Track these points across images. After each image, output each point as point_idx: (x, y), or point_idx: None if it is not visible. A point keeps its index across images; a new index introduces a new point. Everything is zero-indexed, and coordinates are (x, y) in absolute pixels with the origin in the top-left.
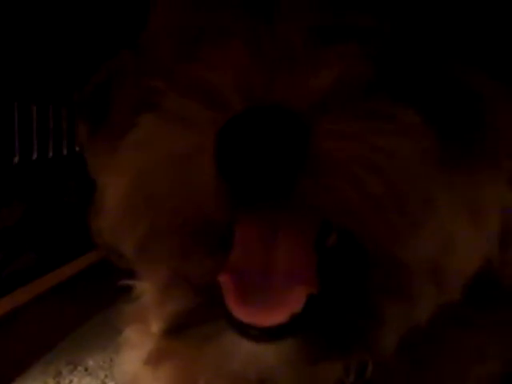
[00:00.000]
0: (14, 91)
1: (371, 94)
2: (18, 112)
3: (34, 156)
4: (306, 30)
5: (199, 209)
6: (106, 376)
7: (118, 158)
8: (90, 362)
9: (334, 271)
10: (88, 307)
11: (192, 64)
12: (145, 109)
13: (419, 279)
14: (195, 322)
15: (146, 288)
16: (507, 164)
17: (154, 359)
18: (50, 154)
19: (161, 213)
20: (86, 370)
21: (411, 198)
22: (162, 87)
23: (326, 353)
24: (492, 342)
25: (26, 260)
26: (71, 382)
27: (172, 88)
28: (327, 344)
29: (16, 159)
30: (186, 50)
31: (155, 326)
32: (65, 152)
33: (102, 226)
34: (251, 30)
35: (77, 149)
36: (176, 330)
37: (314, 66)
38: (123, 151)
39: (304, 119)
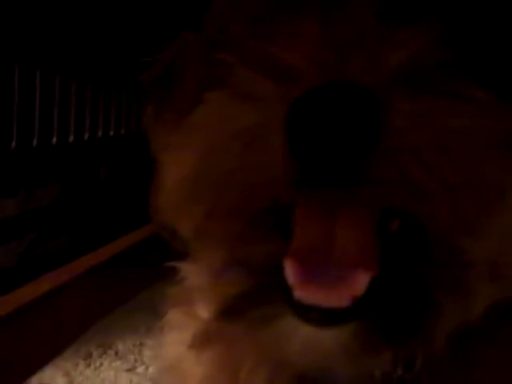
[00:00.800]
0: (55, 67)
1: (446, 75)
2: (59, 94)
3: (71, 139)
4: (381, 7)
5: (267, 189)
6: (135, 360)
7: (182, 136)
8: (120, 346)
9: (396, 258)
10: (121, 292)
11: (264, 40)
12: (212, 85)
13: (478, 274)
14: (252, 304)
15: (192, 270)
16: None
17: (200, 342)
18: (86, 136)
19: (225, 193)
20: (117, 353)
21: (483, 186)
22: (232, 61)
23: (385, 342)
24: None
25: (59, 241)
26: (101, 364)
27: (242, 63)
28: (386, 332)
29: (54, 140)
30: (258, 27)
31: (202, 309)
32: (100, 134)
33: (161, 204)
34: (325, 7)
35: (111, 133)
36: (232, 312)
37: (387, 44)
38: (189, 129)
39: (377, 96)
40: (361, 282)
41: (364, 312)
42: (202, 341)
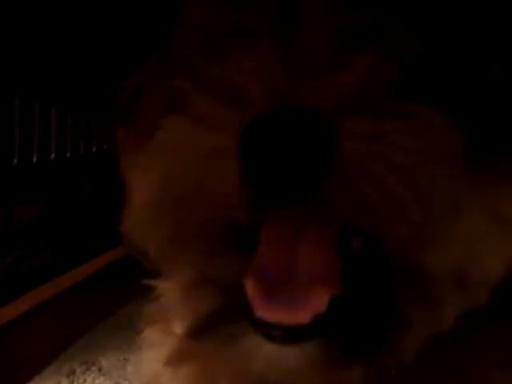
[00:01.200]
0: (35, 92)
1: (398, 95)
2: (38, 113)
3: (52, 156)
4: (332, 32)
5: (224, 210)
6: (119, 376)
7: (145, 158)
8: (104, 362)
9: (359, 274)
10: (103, 308)
11: (218, 65)
12: (172, 110)
13: (444, 285)
14: (218, 322)
15: (167, 288)
16: None
17: (175, 360)
18: (68, 154)
19: (186, 214)
20: (100, 369)
21: (435, 201)
22: (189, 88)
23: (349, 357)
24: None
25: (41, 259)
26: (85, 381)
27: (198, 89)
28: (351, 348)
29: (34, 158)
30: (213, 51)
31: (177, 326)
32: (82, 152)
33: (128, 225)
34: (277, 32)
35: (93, 149)
36: (199, 330)
37: (339, 67)
38: (150, 152)
39: (328, 120)
40: (322, 299)
41: (327, 329)
42: (178, 358)
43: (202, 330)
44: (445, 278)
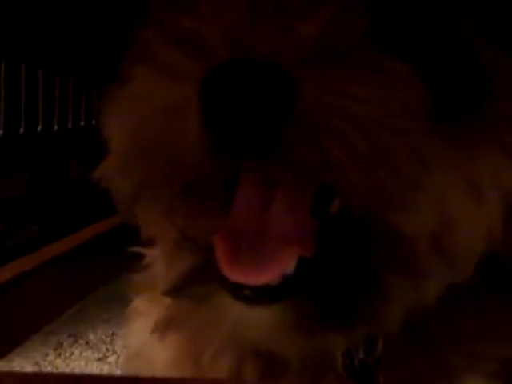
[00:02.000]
0: (21, 60)
1: (365, 47)
2: (25, 83)
3: (39, 128)
4: None
5: (188, 159)
6: (107, 350)
7: (118, 109)
8: (91, 336)
9: (334, 238)
10: (90, 280)
11: (181, 15)
12: (142, 61)
13: (423, 254)
14: (194, 282)
15: (155, 255)
16: (509, 139)
17: (162, 327)
18: (55, 127)
19: (153, 162)
20: (87, 343)
21: (398, 155)
22: (152, 37)
23: (320, 322)
24: (504, 326)
25: (28, 231)
26: (72, 354)
27: (162, 39)
28: (323, 313)
29: (21, 130)
30: (179, 2)
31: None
32: (70, 125)
33: (102, 172)
34: None
35: (81, 123)
36: (176, 289)
37: (302, 17)
38: (121, 100)
39: (288, 70)
40: (289, 258)
41: (297, 291)
42: (165, 326)
43: (178, 289)
44: (423, 245)
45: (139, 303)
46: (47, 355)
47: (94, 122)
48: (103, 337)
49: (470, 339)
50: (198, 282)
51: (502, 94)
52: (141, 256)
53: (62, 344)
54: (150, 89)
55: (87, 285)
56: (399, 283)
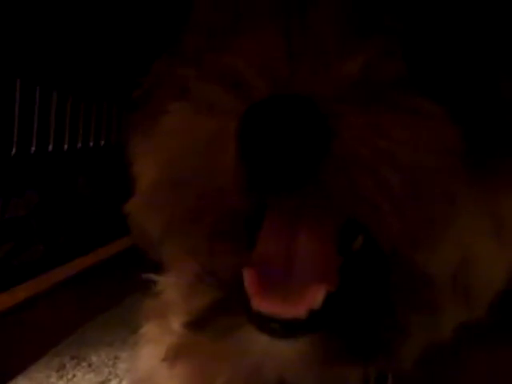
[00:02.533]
0: (36, 81)
1: (401, 88)
2: (39, 104)
3: (50, 148)
4: (337, 20)
5: (221, 196)
6: (109, 373)
7: (151, 143)
8: (94, 358)
9: (358, 275)
10: (96, 303)
11: (221, 53)
12: (177, 97)
13: (443, 291)
14: (216, 315)
15: (169, 283)
16: None
17: (172, 355)
18: (66, 146)
19: (184, 198)
20: (90, 365)
21: (432, 197)
22: (192, 75)
23: (344, 356)
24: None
25: (34, 252)
26: (74, 376)
27: (201, 75)
28: (345, 347)
29: (32, 149)
30: (219, 40)
31: (176, 323)
32: (79, 146)
33: (131, 208)
34: (282, 20)
35: (91, 143)
36: (197, 323)
37: (341, 56)
38: (155, 136)
39: (325, 109)
40: (318, 295)
41: (322, 325)
42: (175, 354)
43: (199, 323)
44: (444, 283)
45: (149, 329)
46: (50, 377)
47: (102, 142)
48: (106, 360)
49: (480, 379)
50: (221, 315)
51: None
52: (147, 282)
53: (64, 366)
54: (187, 124)
55: (92, 307)
56: (417, 319)
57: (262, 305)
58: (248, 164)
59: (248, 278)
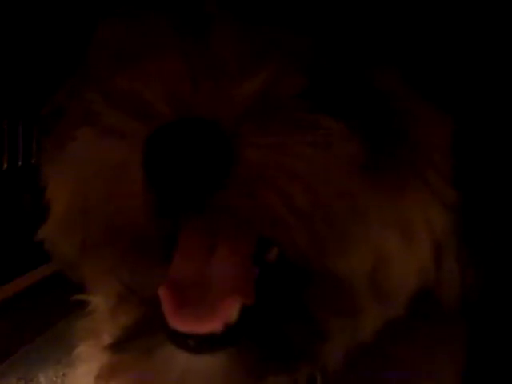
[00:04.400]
0: None
1: (303, 106)
2: None
3: None
4: (238, 43)
5: (132, 220)
6: None
7: (61, 170)
8: (42, 378)
9: (274, 286)
10: (41, 321)
11: (124, 77)
12: (84, 121)
13: (361, 294)
14: (138, 335)
15: (99, 303)
16: (433, 179)
17: (106, 374)
18: (5, 165)
19: (94, 224)
20: None
21: (336, 208)
22: (98, 100)
23: (265, 366)
24: (428, 358)
25: None
26: None
27: (106, 101)
28: (266, 357)
29: None
30: (122, 65)
31: (107, 341)
32: (20, 164)
33: (45, 234)
34: (182, 44)
35: (32, 161)
36: (121, 343)
37: (241, 76)
38: (63, 162)
39: (227, 130)
40: (232, 308)
41: (240, 338)
42: (108, 373)
43: (122, 343)
44: (360, 286)
45: (83, 349)
46: None
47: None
48: (54, 378)
49: (403, 372)
50: (142, 335)
51: (419, 138)
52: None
53: None
54: (93, 150)
55: (36, 326)
56: (338, 323)
57: (178, 322)
58: (155, 188)
59: (163, 296)
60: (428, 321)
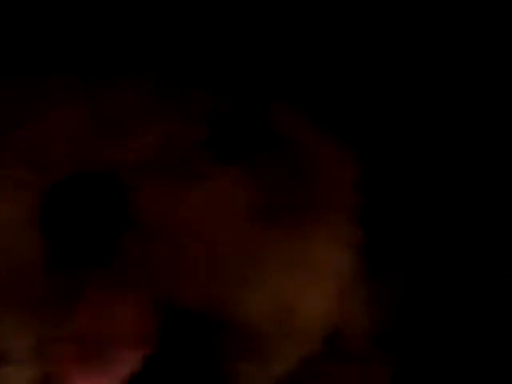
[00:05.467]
0: None
1: (198, 155)
2: None
3: None
4: (138, 96)
5: (26, 275)
6: None
7: None
8: None
9: (179, 332)
10: None
11: (26, 129)
12: None
13: (270, 338)
14: None
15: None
16: (336, 218)
17: None
18: None
19: None
20: None
21: (230, 255)
22: None
23: None
24: None
25: None
26: None
27: (3, 151)
28: None
29: None
30: (22, 115)
31: None
32: None
33: None
34: (85, 93)
35: None
36: None
37: (141, 127)
38: None
39: (125, 182)
40: (134, 359)
41: None
42: None
43: None
44: (268, 330)
45: None
46: None
47: None
48: None
49: None
50: None
51: (321, 177)
52: None
53: None
54: None
55: None
56: (248, 368)
57: (78, 379)
58: (52, 243)
59: (62, 350)
60: (347, 360)
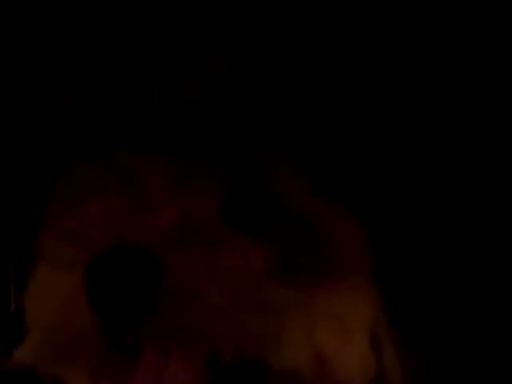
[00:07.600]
0: None
1: (215, 227)
2: None
3: None
4: (161, 179)
5: (82, 340)
6: None
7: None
8: None
9: None
10: None
11: (70, 214)
12: (37, 258)
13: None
14: None
15: None
16: (358, 278)
17: None
18: None
19: (57, 343)
20: None
21: (255, 308)
22: (44, 234)
23: None
24: None
25: None
26: None
27: (50, 234)
28: None
29: None
30: (70, 204)
31: None
32: None
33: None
34: (118, 185)
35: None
36: None
37: (164, 207)
38: (28, 297)
39: (155, 253)
40: None
41: None
42: None
43: None
44: (307, 377)
45: None
46: None
47: None
48: None
49: None
50: None
51: (334, 239)
52: None
53: None
54: (46, 283)
55: None
56: None
57: None
58: (97, 309)
59: None
60: None
